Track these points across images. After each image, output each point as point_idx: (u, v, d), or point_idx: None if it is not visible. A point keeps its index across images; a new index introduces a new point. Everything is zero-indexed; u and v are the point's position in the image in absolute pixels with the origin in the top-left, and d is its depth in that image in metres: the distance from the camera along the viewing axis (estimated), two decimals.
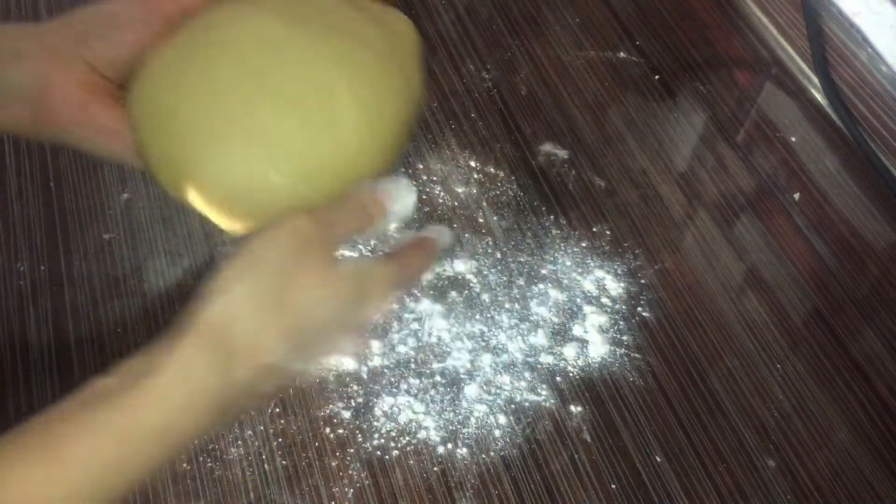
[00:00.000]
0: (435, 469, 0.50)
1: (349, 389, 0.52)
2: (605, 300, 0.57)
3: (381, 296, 0.41)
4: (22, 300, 0.54)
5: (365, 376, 0.53)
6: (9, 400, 0.50)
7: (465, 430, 0.52)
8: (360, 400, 0.52)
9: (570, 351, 0.55)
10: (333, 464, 0.50)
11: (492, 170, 0.63)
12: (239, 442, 0.50)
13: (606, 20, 0.74)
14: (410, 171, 0.62)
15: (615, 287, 0.58)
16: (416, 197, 0.45)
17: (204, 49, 0.40)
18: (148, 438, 0.34)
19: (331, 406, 0.52)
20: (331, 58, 0.40)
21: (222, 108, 0.38)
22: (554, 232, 0.60)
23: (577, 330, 0.56)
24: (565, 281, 0.58)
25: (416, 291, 0.57)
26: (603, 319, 0.57)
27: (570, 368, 0.55)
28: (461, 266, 0.59)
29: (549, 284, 0.58)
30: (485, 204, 0.62)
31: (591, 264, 0.59)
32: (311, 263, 0.38)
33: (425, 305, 0.57)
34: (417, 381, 0.53)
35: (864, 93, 0.66)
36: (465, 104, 0.67)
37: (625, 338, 0.56)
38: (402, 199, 0.43)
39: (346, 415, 0.51)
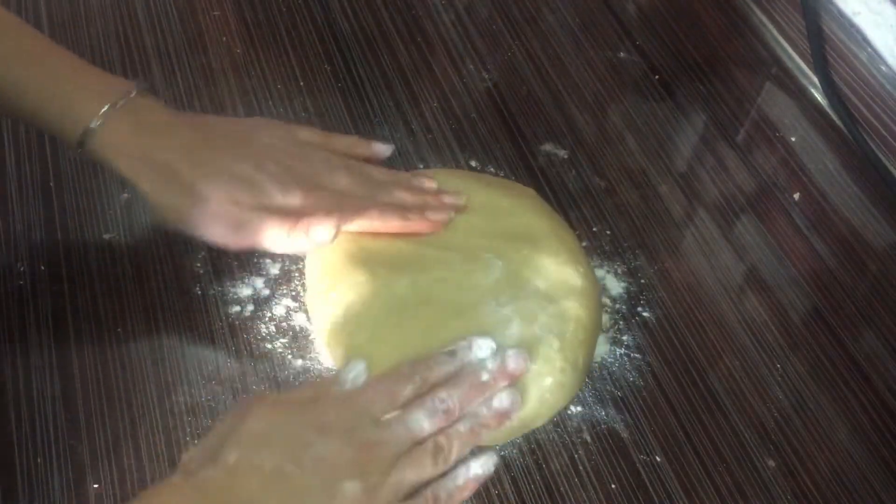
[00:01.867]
0: None
1: None
2: (604, 300, 0.57)
3: None
4: (22, 300, 0.53)
5: None
6: (9, 401, 0.50)
7: None
8: None
9: None
10: None
11: (492, 170, 0.63)
12: None
13: (606, 20, 0.74)
14: (409, 171, 0.62)
15: (615, 287, 0.58)
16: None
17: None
18: None
19: None
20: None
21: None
22: None
23: None
24: None
25: None
26: (603, 319, 0.57)
27: None
28: None
29: None
30: None
31: (591, 264, 0.59)
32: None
33: None
34: None
35: (864, 93, 0.66)
36: (465, 104, 0.67)
37: (625, 338, 0.56)
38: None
39: None
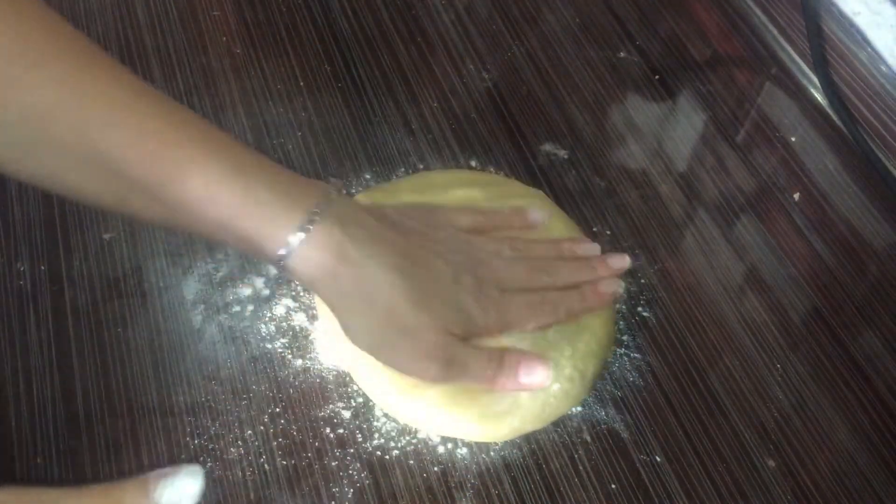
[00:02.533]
0: (435, 469, 0.50)
1: (349, 389, 0.52)
2: None
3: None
4: (22, 300, 0.53)
5: None
6: (9, 400, 0.50)
7: None
8: (360, 400, 0.52)
9: None
10: (333, 464, 0.50)
11: (492, 170, 0.63)
12: (239, 442, 0.50)
13: (606, 20, 0.74)
14: (410, 171, 0.62)
15: None
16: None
17: None
18: None
19: (331, 406, 0.52)
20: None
21: None
22: None
23: None
24: None
25: None
26: None
27: None
28: None
29: None
30: None
31: None
32: None
33: None
34: None
35: (864, 93, 0.66)
36: (465, 104, 0.67)
37: (624, 338, 0.56)
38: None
39: (346, 415, 0.51)
